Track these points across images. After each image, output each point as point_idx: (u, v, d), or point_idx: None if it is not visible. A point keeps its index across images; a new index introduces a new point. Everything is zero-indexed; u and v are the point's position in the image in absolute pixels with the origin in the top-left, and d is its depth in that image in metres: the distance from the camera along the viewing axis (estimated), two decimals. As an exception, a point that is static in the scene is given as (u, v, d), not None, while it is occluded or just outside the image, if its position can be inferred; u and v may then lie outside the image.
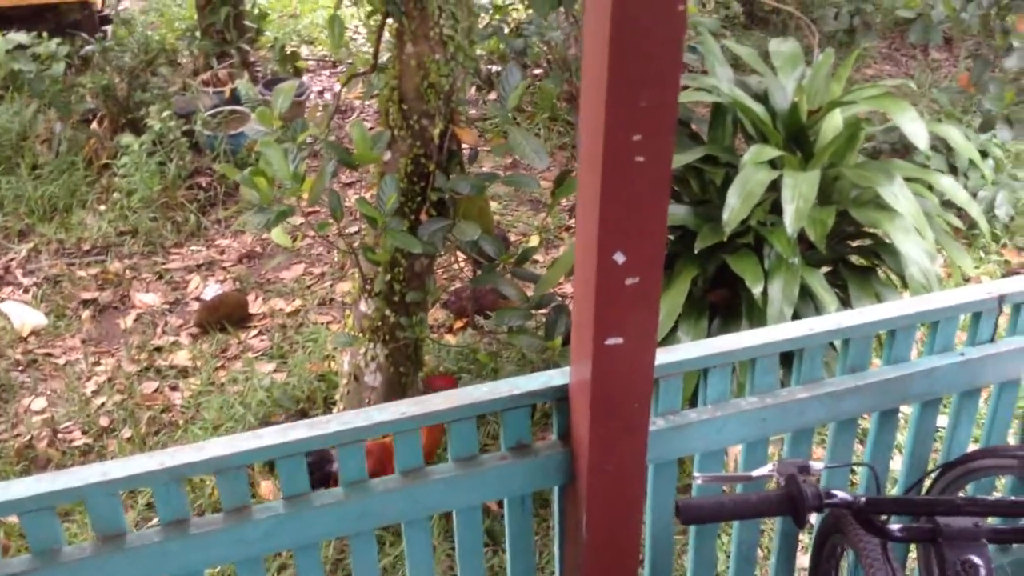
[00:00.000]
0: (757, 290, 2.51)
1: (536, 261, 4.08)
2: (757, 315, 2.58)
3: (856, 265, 2.83)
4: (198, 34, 5.43)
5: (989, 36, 3.32)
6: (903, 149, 4.31)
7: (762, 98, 2.84)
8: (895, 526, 1.24)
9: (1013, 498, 1.22)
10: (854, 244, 2.87)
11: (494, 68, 5.49)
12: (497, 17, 5.32)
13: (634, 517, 1.63)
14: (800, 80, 2.84)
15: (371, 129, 3.31)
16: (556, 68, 4.78)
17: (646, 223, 1.43)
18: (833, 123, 2.77)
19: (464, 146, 2.92)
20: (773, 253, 2.61)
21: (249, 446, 1.47)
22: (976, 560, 1.19)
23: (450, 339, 3.71)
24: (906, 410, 1.97)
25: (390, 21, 2.73)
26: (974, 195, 4.05)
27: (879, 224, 2.59)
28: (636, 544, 1.64)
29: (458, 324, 3.77)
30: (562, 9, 4.43)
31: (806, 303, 2.63)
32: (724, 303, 2.77)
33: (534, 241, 4.32)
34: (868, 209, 2.65)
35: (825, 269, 2.81)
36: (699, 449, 1.76)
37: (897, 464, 2.17)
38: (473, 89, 5.42)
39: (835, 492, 1.21)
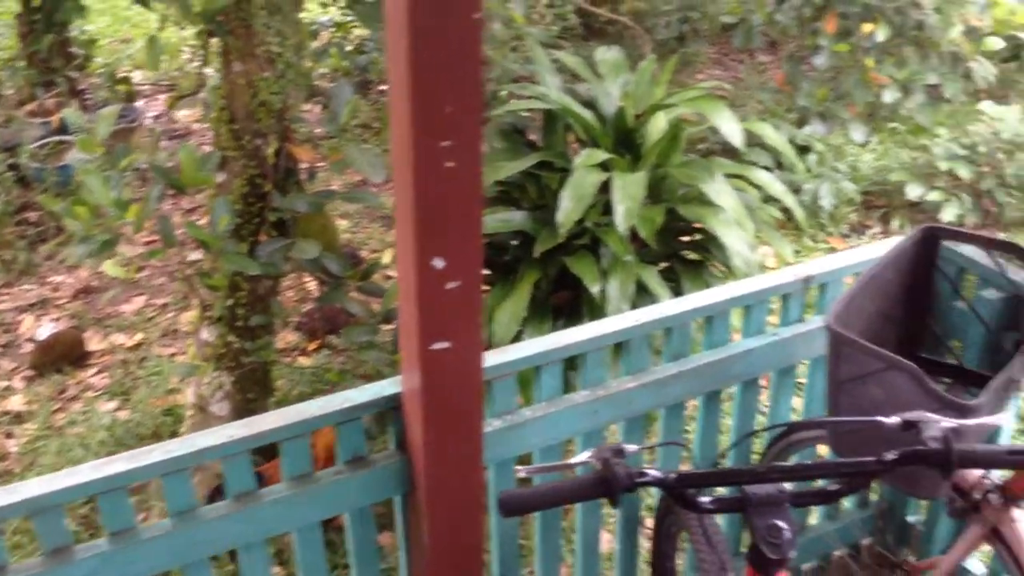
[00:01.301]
0: (595, 289, 2.59)
1: (390, 276, 4.07)
2: (597, 313, 2.65)
3: (688, 259, 2.96)
4: (21, 63, 5.17)
5: (802, 37, 3.54)
6: (734, 148, 4.54)
7: (591, 104, 2.93)
8: (707, 499, 1.30)
9: (808, 462, 1.30)
10: (685, 240, 3.00)
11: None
12: (338, 34, 5.30)
13: (475, 519, 1.65)
14: (625, 86, 2.95)
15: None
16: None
17: (462, 227, 1.46)
18: (658, 125, 2.89)
19: (302, 164, 2.89)
20: (609, 253, 2.70)
21: (65, 484, 1.41)
22: (780, 524, 1.26)
23: (304, 361, 3.65)
24: (731, 390, 2.07)
25: (216, 40, 2.68)
26: (799, 188, 4.30)
27: (704, 219, 2.71)
28: (479, 545, 1.66)
29: (311, 345, 3.71)
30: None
31: (643, 299, 2.72)
32: (567, 304, 2.84)
33: (387, 257, 4.30)
34: (694, 205, 2.77)
35: (661, 265, 2.93)
36: (537, 446, 1.80)
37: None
38: (320, 108, 5.37)
39: (647, 471, 1.26)
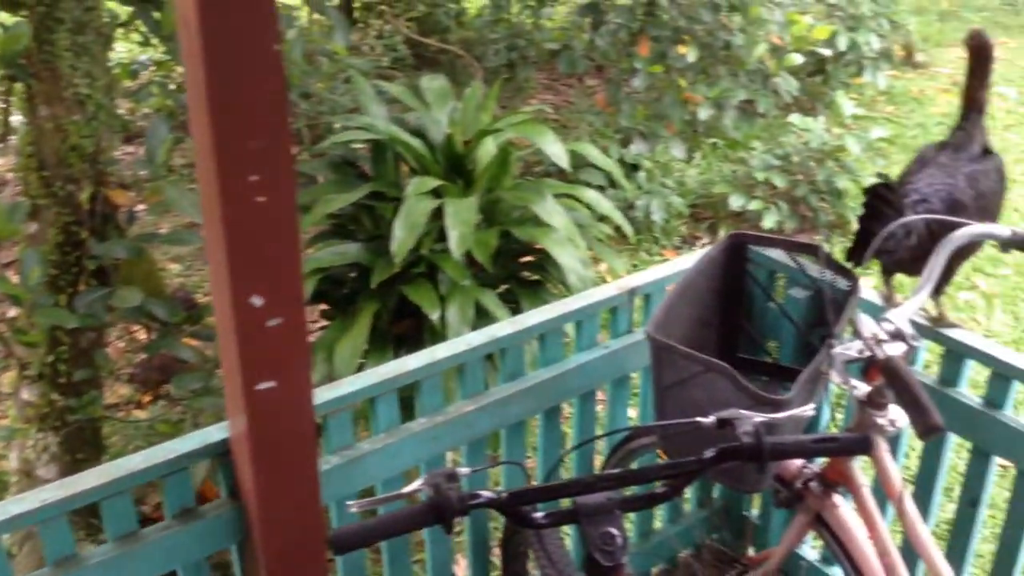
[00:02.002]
0: (435, 316, 2.59)
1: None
2: (439, 340, 2.64)
3: (528, 280, 3.01)
4: None
5: (620, 61, 3.68)
6: (567, 170, 4.67)
7: (420, 133, 2.95)
8: (540, 514, 1.31)
9: (634, 468, 1.34)
10: (523, 261, 3.05)
11: (164, 126, 5.26)
12: (160, 73, 5.11)
13: (317, 561, 1.61)
14: (453, 113, 2.98)
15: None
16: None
17: (279, 263, 1.43)
18: (487, 150, 2.93)
19: (121, 208, 2.76)
20: (447, 279, 2.71)
21: None
22: (612, 530, 1.29)
23: (140, 414, 3.47)
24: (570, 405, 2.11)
25: (21, 84, 2.53)
26: (632, 205, 4.45)
27: (538, 239, 2.77)
28: (323, 586, 1.62)
29: (146, 397, 3.54)
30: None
31: (484, 322, 2.74)
32: (409, 333, 2.83)
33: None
34: (528, 227, 2.82)
35: (501, 288, 2.96)
36: (379, 478, 1.78)
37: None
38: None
39: (480, 493, 1.27)
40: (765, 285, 1.91)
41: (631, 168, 4.83)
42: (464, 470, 1.31)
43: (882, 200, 1.71)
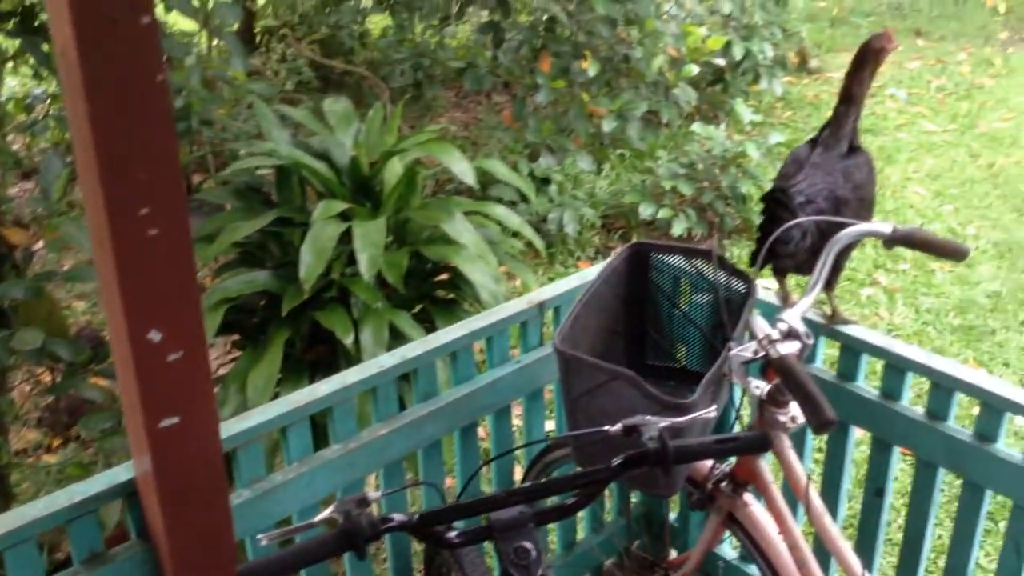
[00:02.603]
0: (348, 340, 2.57)
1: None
2: (354, 364, 2.63)
3: (441, 299, 3.01)
4: None
5: (523, 77, 3.72)
6: (479, 186, 4.70)
7: (325, 156, 2.93)
8: (454, 534, 1.32)
9: (544, 480, 1.36)
10: (437, 280, 3.05)
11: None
12: (56, 106, 4.96)
13: (232, 596, 1.58)
14: (357, 135, 2.97)
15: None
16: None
17: (176, 296, 1.40)
18: (394, 171, 2.93)
19: (18, 246, 2.68)
20: (359, 302, 2.69)
21: None
22: (526, 545, 1.30)
23: (50, 459, 3.35)
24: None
25: None
26: (545, 218, 4.50)
27: (449, 257, 2.77)
28: (240, 623, 1.58)
29: (56, 441, 3.42)
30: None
31: (399, 344, 2.73)
32: (324, 359, 2.80)
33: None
34: (438, 245, 2.83)
35: (416, 308, 2.95)
36: (294, 509, 1.75)
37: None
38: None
39: (392, 516, 1.27)
40: (669, 292, 1.96)
41: (542, 182, 4.89)
42: (375, 494, 1.31)
43: (779, 204, 1.77)
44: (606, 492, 2.41)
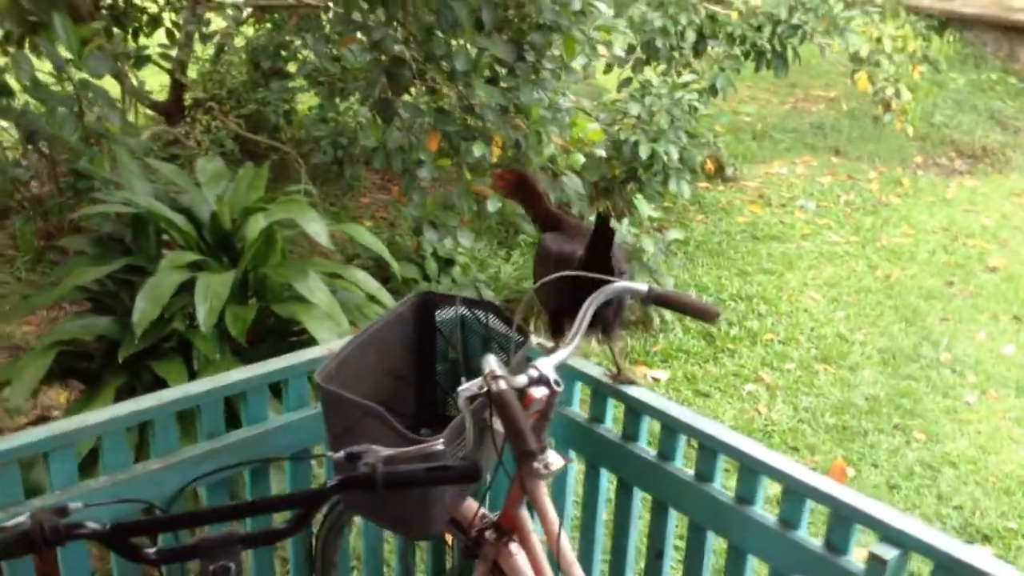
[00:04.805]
0: (180, 389, 2.55)
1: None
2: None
3: (294, 356, 3.01)
4: None
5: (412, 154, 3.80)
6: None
7: (187, 210, 2.97)
8: (152, 550, 1.30)
9: (253, 500, 1.36)
10: (292, 340, 3.06)
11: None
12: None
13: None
14: (224, 193, 3.03)
15: None
16: (29, 206, 4.58)
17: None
18: (256, 228, 2.98)
19: None
20: (200, 353, 2.70)
21: None
22: (229, 565, 1.29)
23: None
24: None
25: None
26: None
27: (298, 315, 2.80)
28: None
29: None
30: (29, 146, 4.29)
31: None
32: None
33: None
34: (289, 303, 2.86)
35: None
36: (51, 538, 1.71)
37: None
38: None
39: (86, 523, 1.25)
40: (452, 340, 1.99)
41: (446, 263, 4.97)
42: (76, 504, 1.30)
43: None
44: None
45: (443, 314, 1.96)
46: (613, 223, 1.85)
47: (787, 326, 5.03)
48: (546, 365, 1.59)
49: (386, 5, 3.27)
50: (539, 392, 1.57)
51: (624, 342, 4.72)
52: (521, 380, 1.49)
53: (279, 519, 1.82)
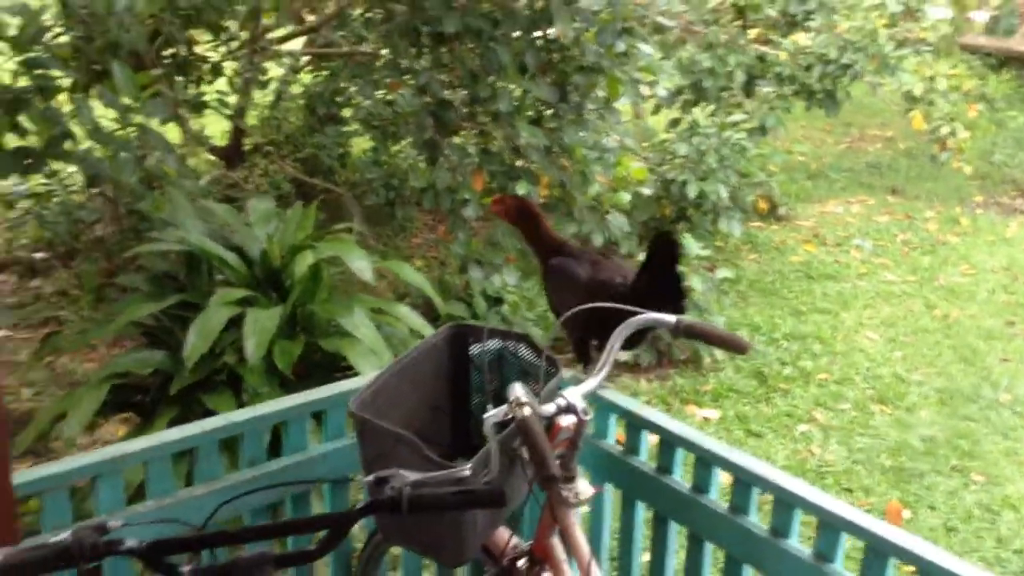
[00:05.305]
0: (229, 421, 2.62)
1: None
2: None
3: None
4: None
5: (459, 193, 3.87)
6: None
7: (239, 248, 3.07)
8: (188, 567, 1.34)
9: (285, 520, 1.39)
10: (338, 374, 3.12)
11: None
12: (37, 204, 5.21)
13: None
14: (273, 232, 3.13)
15: None
16: (93, 247, 4.76)
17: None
18: (305, 266, 3.06)
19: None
20: (250, 387, 2.77)
21: None
22: (263, 583, 1.33)
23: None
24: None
25: None
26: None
27: (342, 350, 2.86)
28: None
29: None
30: (93, 189, 4.47)
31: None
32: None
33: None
34: (335, 338, 2.92)
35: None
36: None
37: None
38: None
39: (122, 539, 1.30)
40: (485, 372, 2.02)
41: (495, 301, 5.01)
42: (116, 523, 1.35)
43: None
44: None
45: (477, 347, 1.99)
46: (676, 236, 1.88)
47: (842, 366, 4.94)
48: (574, 394, 1.61)
49: (432, 51, 3.37)
50: (567, 420, 1.58)
51: (672, 380, 4.69)
52: (549, 408, 1.51)
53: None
